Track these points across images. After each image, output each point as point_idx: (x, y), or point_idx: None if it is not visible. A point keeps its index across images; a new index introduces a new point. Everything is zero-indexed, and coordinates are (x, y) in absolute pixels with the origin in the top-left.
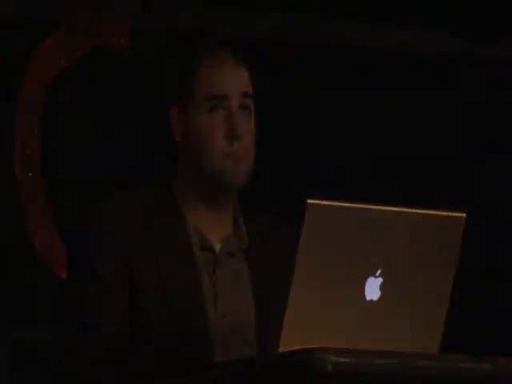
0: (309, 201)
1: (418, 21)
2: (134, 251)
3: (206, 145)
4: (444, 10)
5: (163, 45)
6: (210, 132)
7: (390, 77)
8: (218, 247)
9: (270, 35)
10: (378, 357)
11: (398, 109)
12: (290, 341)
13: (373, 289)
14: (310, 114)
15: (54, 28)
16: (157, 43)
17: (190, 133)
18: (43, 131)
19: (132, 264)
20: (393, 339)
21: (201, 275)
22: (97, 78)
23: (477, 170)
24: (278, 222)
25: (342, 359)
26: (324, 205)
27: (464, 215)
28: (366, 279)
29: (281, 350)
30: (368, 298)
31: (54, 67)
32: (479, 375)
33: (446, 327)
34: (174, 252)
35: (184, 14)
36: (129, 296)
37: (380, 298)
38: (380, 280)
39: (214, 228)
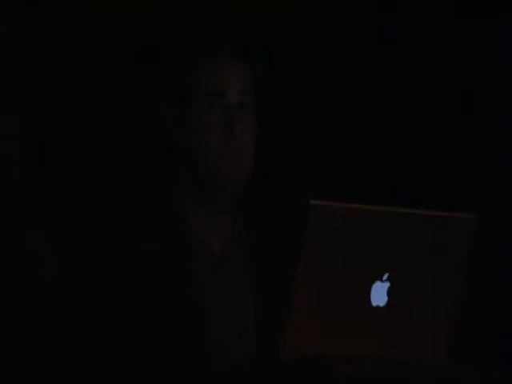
0: (312, 201)
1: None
2: (132, 253)
3: (203, 143)
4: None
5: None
6: (207, 130)
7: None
8: (217, 249)
9: (271, 32)
10: (383, 365)
11: (404, 109)
12: (292, 347)
13: (379, 294)
14: (313, 114)
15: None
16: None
17: (187, 131)
18: (38, 133)
19: (129, 267)
20: (400, 346)
21: (199, 278)
22: (96, 76)
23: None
24: (279, 223)
25: (346, 367)
26: (327, 206)
27: (472, 216)
28: (372, 284)
29: (283, 355)
30: (374, 303)
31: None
32: None
33: (455, 331)
34: (172, 254)
35: (184, 11)
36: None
37: (387, 304)
38: (387, 285)
39: (213, 229)
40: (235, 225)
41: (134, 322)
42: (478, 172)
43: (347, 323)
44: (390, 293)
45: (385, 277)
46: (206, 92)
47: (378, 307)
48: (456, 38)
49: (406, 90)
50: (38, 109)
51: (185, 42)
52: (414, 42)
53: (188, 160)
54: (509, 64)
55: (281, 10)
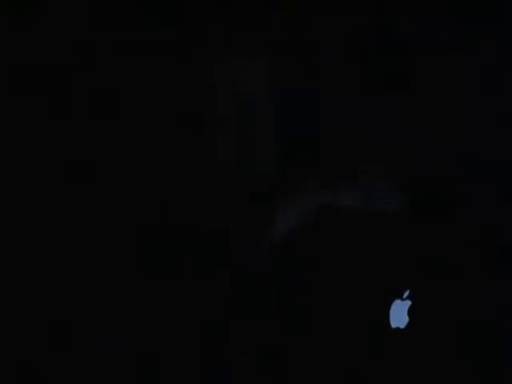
0: (322, 204)
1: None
2: (133, 256)
3: (212, 144)
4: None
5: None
6: (215, 131)
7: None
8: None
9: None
10: None
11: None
12: (298, 368)
13: (399, 314)
14: (314, 113)
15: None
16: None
17: (193, 132)
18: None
19: (129, 269)
20: (422, 374)
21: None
22: (96, 76)
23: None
24: (284, 229)
25: None
26: (340, 209)
27: (499, 219)
28: (390, 302)
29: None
30: (393, 325)
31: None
32: None
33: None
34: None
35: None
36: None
37: (408, 326)
38: (408, 303)
39: (222, 239)
40: (246, 233)
41: (134, 324)
42: (480, 173)
43: (361, 347)
44: (411, 313)
45: (405, 294)
46: (210, 91)
47: (397, 329)
48: (456, 38)
49: (405, 91)
50: (37, 108)
51: (187, 41)
52: (414, 42)
53: (195, 162)
54: (509, 64)
55: (281, 10)
